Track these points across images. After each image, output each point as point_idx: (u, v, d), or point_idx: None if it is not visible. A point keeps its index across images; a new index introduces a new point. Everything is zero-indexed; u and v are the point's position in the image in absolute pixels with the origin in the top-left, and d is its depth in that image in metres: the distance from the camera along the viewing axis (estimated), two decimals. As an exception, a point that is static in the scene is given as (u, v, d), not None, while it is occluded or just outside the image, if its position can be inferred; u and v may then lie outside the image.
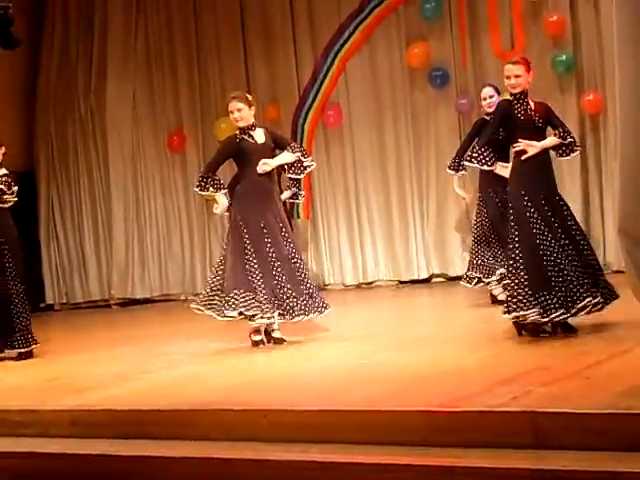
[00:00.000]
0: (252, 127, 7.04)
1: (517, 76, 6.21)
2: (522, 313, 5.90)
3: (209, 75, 12.41)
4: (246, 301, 6.73)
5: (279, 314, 6.83)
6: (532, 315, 5.87)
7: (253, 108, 7.09)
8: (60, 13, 13.04)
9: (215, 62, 12.35)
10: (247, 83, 12.14)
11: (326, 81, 11.71)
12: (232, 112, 7.01)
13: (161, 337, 8.43)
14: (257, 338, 6.94)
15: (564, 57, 10.35)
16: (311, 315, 6.97)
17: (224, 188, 7.08)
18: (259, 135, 7.06)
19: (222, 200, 7.09)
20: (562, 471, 3.51)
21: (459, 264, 11.15)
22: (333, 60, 11.65)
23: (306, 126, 11.83)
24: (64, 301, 13.10)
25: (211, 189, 7.04)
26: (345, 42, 11.58)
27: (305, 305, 6.91)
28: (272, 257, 6.87)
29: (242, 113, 6.98)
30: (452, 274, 11.14)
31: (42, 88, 13.12)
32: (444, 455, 3.84)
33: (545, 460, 3.64)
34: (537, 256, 5.95)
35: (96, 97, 12.81)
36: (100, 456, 4.62)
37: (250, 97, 7.17)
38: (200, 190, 7.11)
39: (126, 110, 12.72)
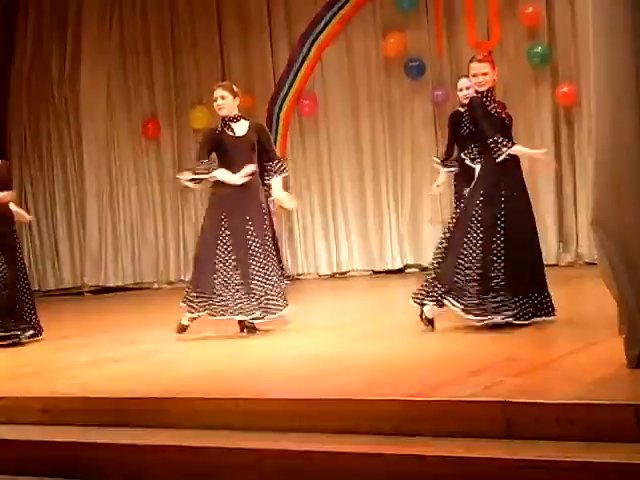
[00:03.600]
0: (234, 119, 6.98)
1: (484, 74, 6.22)
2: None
3: (184, 62, 12.35)
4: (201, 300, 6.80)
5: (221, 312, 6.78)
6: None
7: (238, 99, 7.03)
8: (34, -1, 12.94)
9: (190, 50, 12.30)
10: (222, 71, 12.10)
11: (302, 70, 11.69)
12: (215, 99, 6.98)
13: (133, 325, 8.40)
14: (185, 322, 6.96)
15: (539, 49, 10.39)
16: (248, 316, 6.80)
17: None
18: (240, 128, 6.97)
19: (222, 173, 6.88)
20: (533, 460, 3.53)
21: (432, 255, 11.19)
22: (309, 49, 11.63)
23: (281, 115, 11.81)
24: (36, 288, 13.00)
25: (209, 170, 6.88)
26: (321, 31, 11.56)
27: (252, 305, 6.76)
28: (240, 255, 6.81)
29: (225, 101, 6.94)
30: (426, 264, 11.15)
31: (15, 75, 13.01)
32: (416, 444, 3.85)
33: (516, 450, 3.66)
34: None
35: (70, 84, 12.72)
36: (70, 443, 4.60)
37: (236, 89, 7.12)
38: (199, 174, 6.89)
39: (100, 97, 12.64)
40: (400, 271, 11.40)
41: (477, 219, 6.07)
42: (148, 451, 4.36)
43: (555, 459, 3.50)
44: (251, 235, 6.85)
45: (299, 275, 11.87)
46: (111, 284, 12.63)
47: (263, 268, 6.83)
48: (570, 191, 10.46)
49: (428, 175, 11.11)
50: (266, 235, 6.91)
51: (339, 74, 11.62)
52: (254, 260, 6.82)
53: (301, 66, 11.69)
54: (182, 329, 6.98)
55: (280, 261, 9.46)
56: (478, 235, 6.05)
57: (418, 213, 11.31)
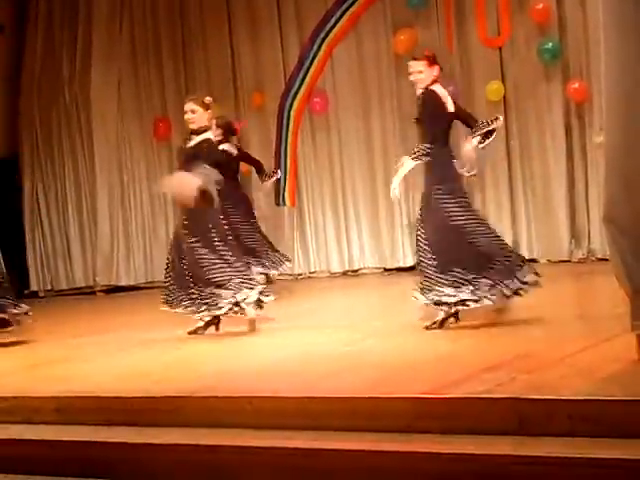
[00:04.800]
0: (200, 132, 7.05)
1: (419, 72, 6.36)
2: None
3: (194, 62, 12.36)
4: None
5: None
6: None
7: (210, 112, 7.10)
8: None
9: (200, 48, 12.30)
10: (232, 70, 12.11)
11: (312, 68, 11.68)
12: (185, 112, 7.06)
13: (146, 324, 8.41)
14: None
15: (550, 45, 10.36)
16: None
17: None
18: (197, 139, 7.10)
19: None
20: (545, 457, 3.53)
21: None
22: (320, 46, 11.62)
23: (292, 113, 11.81)
24: (49, 288, 13.06)
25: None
26: (332, 28, 11.54)
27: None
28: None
29: (195, 115, 7.01)
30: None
31: (26, 75, 13.04)
32: (429, 441, 3.86)
33: (529, 446, 3.66)
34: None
35: (81, 84, 12.73)
36: (84, 442, 4.62)
37: (209, 100, 7.15)
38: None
39: (111, 97, 12.66)
40: (411, 268, 11.36)
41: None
42: (162, 450, 4.38)
43: (567, 455, 3.50)
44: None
45: (311, 273, 11.87)
46: (123, 283, 12.65)
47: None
48: (582, 187, 10.43)
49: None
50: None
51: (350, 71, 11.60)
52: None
53: (311, 64, 11.68)
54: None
55: (276, 251, 9.71)
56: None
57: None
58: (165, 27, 12.46)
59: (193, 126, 7.01)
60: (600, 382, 4.13)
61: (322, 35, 11.58)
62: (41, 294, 13.09)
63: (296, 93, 11.77)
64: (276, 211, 11.82)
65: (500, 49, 10.73)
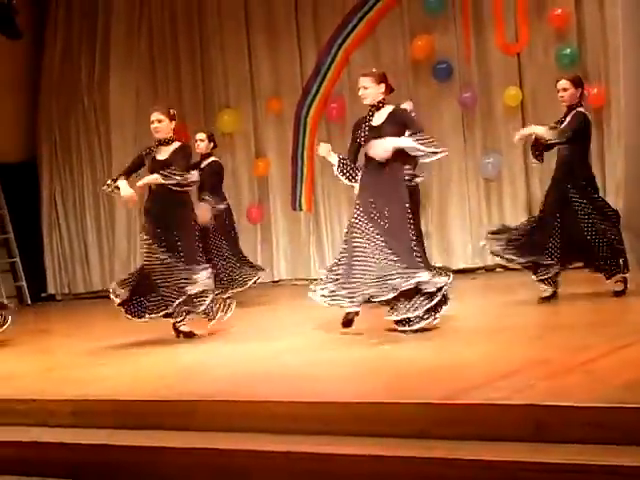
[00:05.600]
0: (166, 142, 7.16)
1: (365, 87, 6.60)
2: None
3: (212, 67, 12.39)
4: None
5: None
6: None
7: (174, 123, 7.23)
8: (63, 5, 13.03)
9: (218, 54, 12.33)
10: (250, 75, 12.14)
11: (329, 74, 11.69)
12: (152, 122, 7.17)
13: (162, 327, 8.42)
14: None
15: (568, 51, 10.34)
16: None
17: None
18: (165, 152, 7.17)
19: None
20: (562, 464, 3.52)
21: (460, 256, 11.16)
22: (337, 53, 11.63)
23: (309, 119, 11.82)
24: (66, 291, 13.11)
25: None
26: (349, 34, 11.55)
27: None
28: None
29: (162, 125, 7.15)
30: (454, 267, 11.13)
31: (45, 79, 13.12)
32: (444, 448, 3.84)
33: (546, 453, 3.64)
34: None
35: (99, 89, 12.80)
36: (100, 446, 4.63)
37: (173, 111, 7.30)
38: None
39: (129, 102, 12.71)
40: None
41: None
42: (176, 454, 4.39)
43: (583, 462, 3.48)
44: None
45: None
46: (140, 287, 12.69)
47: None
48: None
49: (455, 177, 11.10)
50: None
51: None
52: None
53: (328, 70, 11.68)
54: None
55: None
56: None
57: (445, 214, 11.28)
58: (183, 32, 12.49)
59: (159, 135, 7.16)
60: (617, 389, 4.10)
61: (339, 41, 11.59)
62: (58, 297, 13.15)
63: (313, 99, 11.77)
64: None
65: (518, 55, 10.71)
